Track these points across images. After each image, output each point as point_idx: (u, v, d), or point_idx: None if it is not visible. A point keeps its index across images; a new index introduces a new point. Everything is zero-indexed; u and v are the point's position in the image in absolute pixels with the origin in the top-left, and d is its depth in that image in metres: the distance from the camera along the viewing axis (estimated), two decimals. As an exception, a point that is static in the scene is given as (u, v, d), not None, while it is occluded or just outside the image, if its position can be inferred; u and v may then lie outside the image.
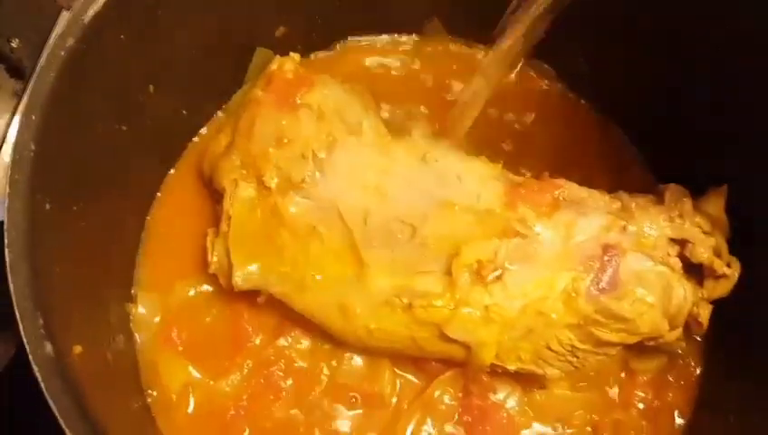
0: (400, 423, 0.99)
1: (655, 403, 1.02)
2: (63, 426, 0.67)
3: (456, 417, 1.00)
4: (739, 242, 0.97)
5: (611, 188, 1.01)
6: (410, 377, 1.02)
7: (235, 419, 0.98)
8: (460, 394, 1.01)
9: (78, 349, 0.79)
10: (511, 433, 1.00)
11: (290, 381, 1.00)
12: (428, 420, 1.00)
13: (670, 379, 1.04)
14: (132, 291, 1.04)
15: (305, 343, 1.02)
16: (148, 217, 1.07)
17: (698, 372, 1.05)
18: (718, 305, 0.96)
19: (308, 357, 1.02)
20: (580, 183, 0.99)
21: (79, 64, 0.83)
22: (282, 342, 1.01)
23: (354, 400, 1.00)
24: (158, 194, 1.10)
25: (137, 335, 1.01)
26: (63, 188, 0.84)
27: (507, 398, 1.02)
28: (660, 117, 1.09)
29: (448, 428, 1.00)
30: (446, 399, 1.01)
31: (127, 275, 1.04)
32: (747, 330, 1.00)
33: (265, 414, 0.98)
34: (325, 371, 1.01)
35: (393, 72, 1.20)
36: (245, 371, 1.00)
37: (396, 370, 1.02)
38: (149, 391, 0.99)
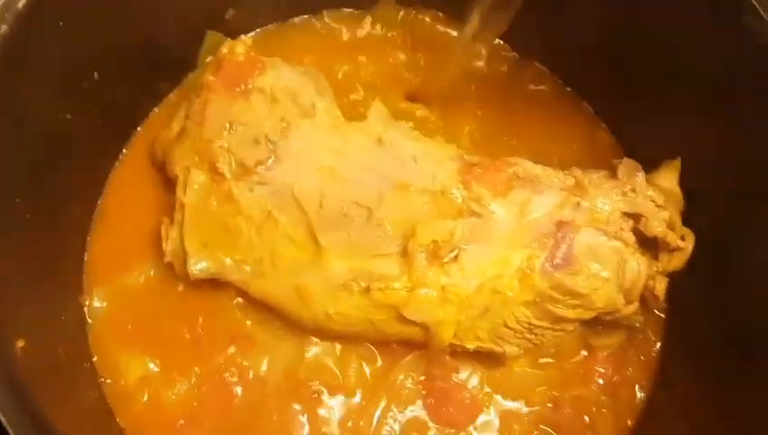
0: (367, 411, 0.99)
1: (615, 378, 1.03)
2: (2, 419, 0.66)
3: (420, 401, 1.00)
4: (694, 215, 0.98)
5: (579, 162, 1.01)
6: (373, 363, 1.01)
7: (185, 428, 0.96)
8: (422, 377, 1.01)
9: (21, 343, 0.77)
10: (473, 412, 1.00)
11: (239, 389, 0.98)
12: (393, 406, 0.99)
13: (630, 354, 1.04)
14: (84, 282, 1.02)
15: (260, 345, 1.01)
16: (97, 207, 1.05)
17: (657, 346, 1.05)
18: (676, 279, 0.97)
19: (264, 356, 1.00)
20: (542, 158, 1.00)
21: (15, 52, 0.81)
22: (232, 349, 1.00)
23: (316, 395, 0.99)
24: (108, 181, 1.07)
25: (90, 327, 0.99)
26: (4, 180, 0.82)
27: (469, 378, 1.02)
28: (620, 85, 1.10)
29: (413, 411, 1.00)
30: (409, 383, 1.00)
31: (78, 266, 1.02)
32: (705, 304, 1.01)
33: (219, 421, 0.97)
34: (282, 368, 0.99)
35: (344, 49, 1.19)
36: (193, 379, 0.98)
37: (358, 358, 1.01)
38: (103, 379, 0.97)
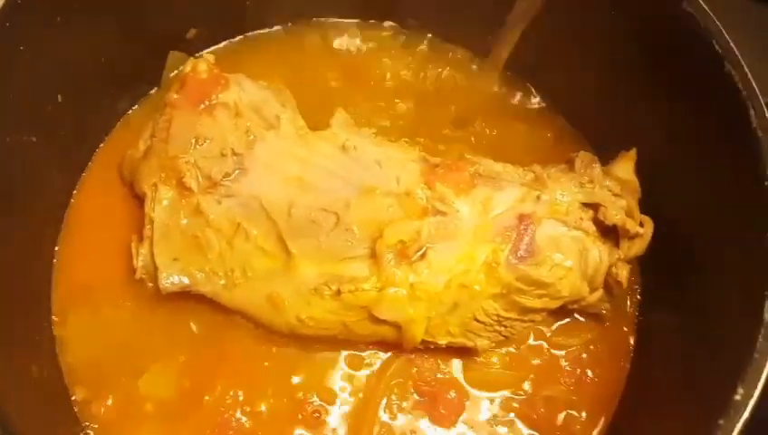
0: (367, 423, 0.98)
1: (584, 377, 1.03)
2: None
3: (412, 405, 1.00)
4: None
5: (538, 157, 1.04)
6: (364, 371, 1.01)
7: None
8: (410, 383, 1.01)
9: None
10: (460, 408, 1.00)
11: (245, 418, 0.97)
12: (389, 415, 0.99)
13: (599, 352, 1.04)
14: (53, 302, 1.00)
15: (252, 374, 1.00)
16: (63, 226, 1.05)
17: (628, 343, 1.06)
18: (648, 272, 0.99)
19: (259, 385, 0.99)
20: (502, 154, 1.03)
21: (-25, 77, 0.82)
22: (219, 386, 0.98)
23: (317, 414, 0.98)
24: (74, 199, 1.07)
25: (62, 352, 0.98)
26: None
27: (450, 376, 1.02)
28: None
29: (408, 416, 0.99)
30: (398, 392, 1.00)
31: (46, 288, 1.00)
32: (676, 300, 1.02)
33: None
34: (275, 392, 0.99)
35: (309, 62, 1.22)
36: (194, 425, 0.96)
37: (350, 369, 1.01)
38: (87, 424, 0.95)
